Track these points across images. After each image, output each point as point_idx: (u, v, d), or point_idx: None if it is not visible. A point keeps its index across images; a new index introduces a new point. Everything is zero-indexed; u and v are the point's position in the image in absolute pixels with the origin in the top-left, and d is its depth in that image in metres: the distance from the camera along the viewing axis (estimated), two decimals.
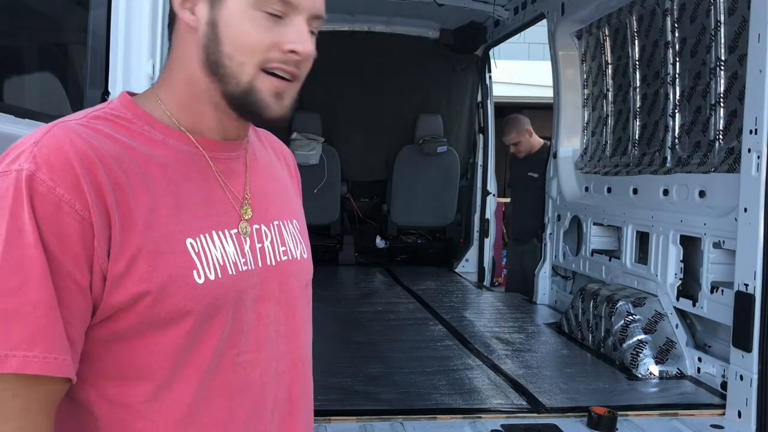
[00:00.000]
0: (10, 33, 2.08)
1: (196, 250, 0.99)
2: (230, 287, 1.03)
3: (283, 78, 1.03)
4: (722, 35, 3.44)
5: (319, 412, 2.71)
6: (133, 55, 1.64)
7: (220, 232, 1.04)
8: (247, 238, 1.09)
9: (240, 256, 1.06)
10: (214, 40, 1.02)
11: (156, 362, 0.98)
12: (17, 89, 2.07)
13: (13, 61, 2.10)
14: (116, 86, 1.63)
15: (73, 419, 0.99)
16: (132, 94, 1.10)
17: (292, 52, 1.02)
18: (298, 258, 1.19)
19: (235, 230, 1.07)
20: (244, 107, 1.05)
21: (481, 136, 6.75)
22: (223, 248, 1.03)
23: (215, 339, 1.02)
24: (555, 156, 5.24)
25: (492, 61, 6.65)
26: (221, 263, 1.02)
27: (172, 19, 1.09)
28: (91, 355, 0.96)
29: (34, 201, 0.88)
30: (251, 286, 1.07)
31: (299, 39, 1.02)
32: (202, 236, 1.01)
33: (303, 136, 6.34)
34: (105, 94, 1.62)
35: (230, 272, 1.03)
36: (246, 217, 1.10)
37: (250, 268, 1.07)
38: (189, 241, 0.99)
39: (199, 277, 0.99)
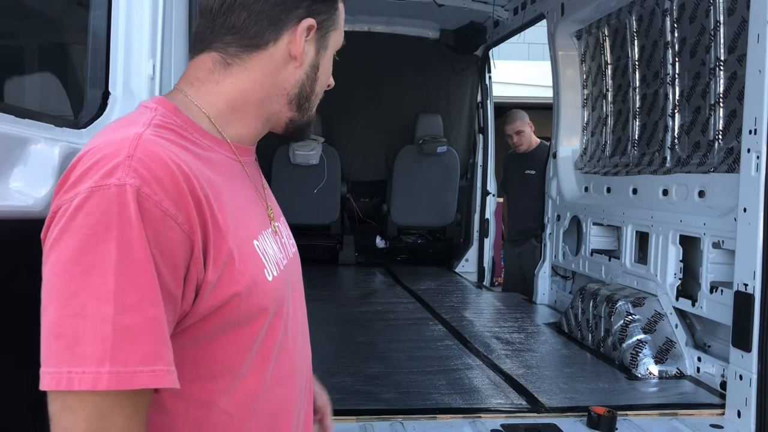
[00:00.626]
0: (10, 33, 2.09)
1: (261, 251, 1.06)
2: (286, 281, 1.12)
3: None
4: (722, 35, 3.44)
5: None
6: (134, 56, 1.64)
7: (265, 232, 1.11)
8: (276, 236, 1.16)
9: (280, 252, 1.14)
10: (312, 80, 1.14)
11: (233, 359, 1.02)
12: (17, 89, 2.07)
13: (14, 61, 2.10)
14: (116, 86, 1.63)
15: (150, 422, 0.97)
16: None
17: (328, 86, 1.20)
18: (296, 250, 1.28)
19: (270, 229, 1.15)
20: (298, 132, 1.18)
21: (480, 136, 6.77)
22: (273, 246, 1.11)
23: (278, 330, 1.08)
24: (555, 156, 5.24)
25: (492, 62, 6.67)
26: (275, 260, 1.10)
27: (259, 38, 1.08)
28: None
29: (143, 215, 0.87)
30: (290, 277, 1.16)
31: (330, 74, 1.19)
32: (260, 237, 1.08)
33: None
34: (105, 94, 1.62)
35: (282, 267, 1.11)
36: (271, 216, 1.18)
37: (287, 261, 1.15)
38: (255, 242, 1.05)
39: (269, 275, 1.05)
